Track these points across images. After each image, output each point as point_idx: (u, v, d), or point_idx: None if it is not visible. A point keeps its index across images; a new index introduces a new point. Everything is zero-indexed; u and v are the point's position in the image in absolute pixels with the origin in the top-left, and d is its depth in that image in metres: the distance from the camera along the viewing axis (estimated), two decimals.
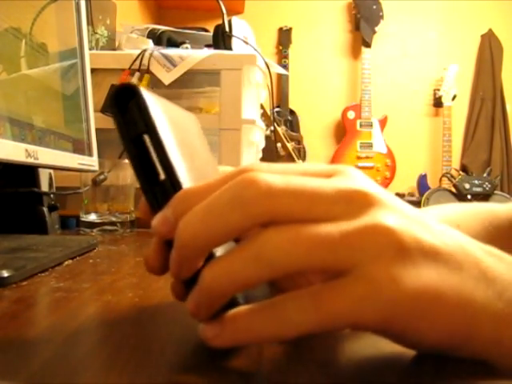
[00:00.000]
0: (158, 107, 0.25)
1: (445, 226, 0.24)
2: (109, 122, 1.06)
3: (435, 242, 0.23)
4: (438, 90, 3.00)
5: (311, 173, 0.24)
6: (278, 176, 0.22)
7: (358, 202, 0.23)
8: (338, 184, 0.23)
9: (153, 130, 0.24)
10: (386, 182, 3.00)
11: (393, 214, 0.23)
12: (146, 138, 0.24)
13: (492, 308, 0.22)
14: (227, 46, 1.08)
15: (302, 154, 2.89)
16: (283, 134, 2.20)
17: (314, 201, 0.22)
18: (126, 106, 0.24)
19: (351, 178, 0.24)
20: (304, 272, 0.23)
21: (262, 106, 1.44)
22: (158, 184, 0.24)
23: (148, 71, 1.00)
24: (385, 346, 0.25)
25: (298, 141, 2.88)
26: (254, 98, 1.15)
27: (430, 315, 0.22)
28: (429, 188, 2.87)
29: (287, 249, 0.21)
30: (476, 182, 2.76)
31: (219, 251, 0.24)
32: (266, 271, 0.21)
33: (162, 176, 0.24)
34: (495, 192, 2.77)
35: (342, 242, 0.21)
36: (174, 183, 0.24)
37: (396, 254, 0.22)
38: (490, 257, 0.24)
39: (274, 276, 0.22)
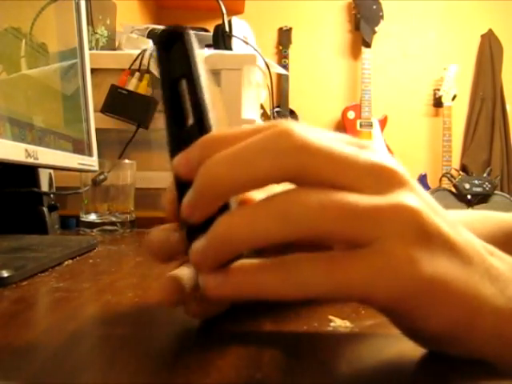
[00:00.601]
0: (198, 55, 0.25)
1: (455, 222, 0.25)
2: (109, 122, 1.07)
3: (453, 234, 0.23)
4: (438, 90, 3.00)
5: (346, 141, 0.24)
6: (315, 135, 0.22)
7: (388, 179, 0.23)
8: (372, 157, 0.23)
9: (193, 75, 0.24)
10: None
11: (419, 198, 0.23)
12: (184, 81, 0.24)
13: (495, 303, 0.22)
14: (227, 46, 1.08)
15: None
16: None
17: (346, 166, 0.22)
18: (170, 47, 0.25)
19: (383, 156, 0.24)
20: (326, 239, 0.22)
21: (261, 106, 1.44)
22: (185, 128, 0.24)
23: (148, 71, 1.00)
24: (386, 347, 0.25)
25: None
26: (254, 97, 1.15)
27: (438, 301, 0.22)
28: (429, 188, 2.87)
29: (316, 211, 0.21)
30: (476, 182, 2.76)
31: (234, 205, 0.23)
32: (291, 230, 0.21)
33: (192, 120, 0.24)
34: (495, 192, 2.77)
35: (369, 215, 0.21)
36: (204, 128, 0.24)
37: (418, 236, 0.22)
38: (492, 256, 0.24)
39: (297, 237, 0.21)
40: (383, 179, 0.23)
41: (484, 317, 0.22)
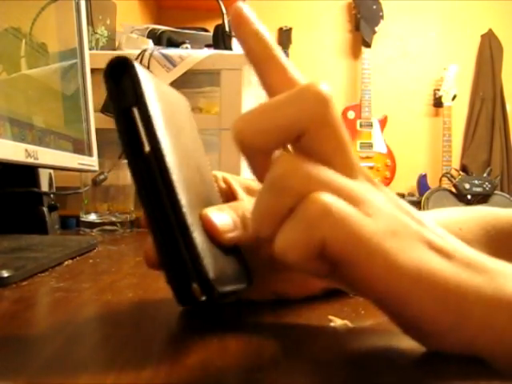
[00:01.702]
0: (149, 83, 0.26)
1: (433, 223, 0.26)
2: (109, 122, 1.07)
3: (427, 232, 0.24)
4: (438, 90, 3.00)
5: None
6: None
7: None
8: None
9: (142, 103, 0.25)
10: (386, 182, 3.00)
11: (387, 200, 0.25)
12: (135, 110, 0.25)
13: (482, 293, 0.23)
14: (227, 46, 1.08)
15: None
16: None
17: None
18: (119, 78, 0.25)
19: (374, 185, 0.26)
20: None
21: None
22: (143, 156, 0.25)
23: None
24: (385, 346, 0.25)
25: None
26: (254, 98, 1.15)
27: (418, 293, 0.22)
28: (429, 188, 2.87)
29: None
30: (476, 181, 2.76)
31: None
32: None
33: (147, 148, 0.25)
34: (495, 192, 2.77)
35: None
36: (157, 156, 0.25)
37: (391, 235, 0.23)
38: (476, 255, 0.25)
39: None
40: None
41: (471, 308, 0.22)
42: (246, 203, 0.31)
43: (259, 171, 0.25)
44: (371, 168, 2.97)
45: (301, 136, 0.24)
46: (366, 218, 0.23)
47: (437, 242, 0.24)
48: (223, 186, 0.35)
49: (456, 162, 3.03)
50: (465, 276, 0.23)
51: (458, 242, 0.25)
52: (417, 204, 2.71)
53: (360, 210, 0.23)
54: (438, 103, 3.06)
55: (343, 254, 0.22)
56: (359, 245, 0.22)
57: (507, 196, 2.80)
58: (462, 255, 0.24)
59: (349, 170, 0.25)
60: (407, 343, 0.25)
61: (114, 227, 0.81)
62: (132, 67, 0.25)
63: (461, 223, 0.45)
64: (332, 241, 0.22)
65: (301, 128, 0.24)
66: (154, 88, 0.27)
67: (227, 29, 1.08)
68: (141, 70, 0.26)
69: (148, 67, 1.00)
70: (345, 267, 0.23)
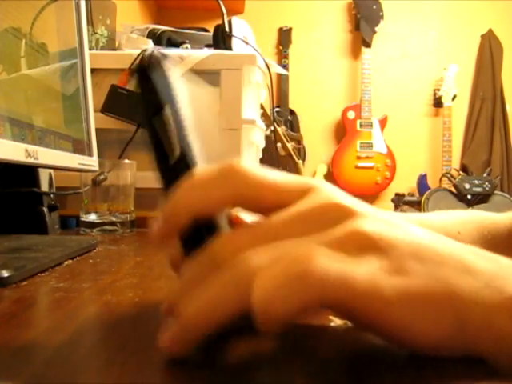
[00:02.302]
0: (179, 82, 0.26)
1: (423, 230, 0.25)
2: (109, 122, 1.07)
3: (417, 239, 0.24)
4: (438, 90, 3.00)
5: (286, 189, 0.26)
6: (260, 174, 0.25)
7: (333, 215, 0.24)
8: (313, 201, 0.25)
9: (172, 106, 0.25)
10: (386, 182, 3.00)
11: (369, 220, 0.24)
12: (166, 112, 0.25)
13: (480, 296, 0.23)
14: (227, 46, 1.08)
15: (301, 154, 2.89)
16: (283, 134, 2.20)
17: (292, 221, 0.24)
18: (149, 79, 0.25)
19: (325, 194, 0.25)
20: None
21: (262, 106, 1.44)
22: (173, 161, 0.25)
23: None
24: (385, 346, 0.25)
25: (298, 141, 2.88)
26: (254, 97, 1.15)
27: (414, 317, 0.22)
28: (429, 188, 2.87)
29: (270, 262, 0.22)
30: (476, 181, 2.76)
31: (223, 223, 0.26)
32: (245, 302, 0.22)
33: (177, 152, 0.25)
34: (495, 192, 2.77)
35: (331, 242, 0.23)
36: (188, 161, 0.25)
37: (377, 256, 0.23)
38: (473, 255, 0.24)
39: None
40: (329, 215, 0.24)
41: (471, 312, 0.22)
42: None
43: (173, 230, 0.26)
44: (371, 168, 2.97)
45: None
46: (354, 268, 0.22)
47: (424, 247, 0.24)
48: None
49: (456, 162, 3.03)
50: (462, 280, 0.23)
51: (439, 235, 0.25)
52: (417, 204, 2.71)
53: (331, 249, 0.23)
54: (438, 103, 3.06)
55: (343, 307, 0.22)
56: (356, 297, 0.22)
57: (507, 196, 2.80)
58: (455, 259, 0.24)
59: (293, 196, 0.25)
60: None
61: (114, 227, 0.81)
62: (164, 66, 0.25)
63: (459, 226, 0.45)
64: (332, 302, 0.22)
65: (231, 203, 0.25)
66: (183, 86, 0.26)
67: (227, 29, 1.08)
68: (171, 71, 0.25)
69: None
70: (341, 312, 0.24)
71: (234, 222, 0.27)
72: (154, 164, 0.26)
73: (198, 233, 0.25)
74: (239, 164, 0.25)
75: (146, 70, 0.25)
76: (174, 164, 0.25)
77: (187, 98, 0.26)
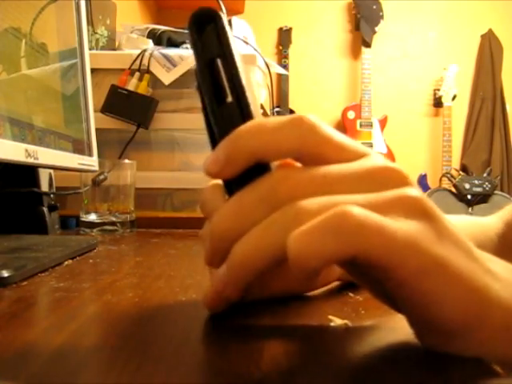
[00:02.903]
0: (231, 35, 0.26)
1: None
2: (109, 122, 1.07)
3: (456, 232, 0.24)
4: (438, 90, 3.00)
5: (348, 149, 0.26)
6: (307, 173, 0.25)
7: (390, 178, 0.25)
8: (372, 162, 0.25)
9: (228, 55, 0.25)
10: None
11: (421, 192, 0.25)
12: (219, 61, 0.25)
13: (501, 296, 0.23)
14: None
15: None
16: None
17: (350, 184, 0.24)
18: (204, 29, 0.25)
19: (383, 160, 0.26)
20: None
21: (262, 106, 1.44)
22: (226, 106, 0.25)
23: (148, 71, 1.00)
24: (386, 346, 0.25)
25: None
26: (254, 97, 1.15)
27: (449, 282, 0.22)
28: (429, 188, 2.87)
29: (323, 206, 0.22)
30: (476, 181, 2.76)
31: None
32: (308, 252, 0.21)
33: (230, 98, 0.25)
34: (495, 192, 2.77)
35: (378, 201, 0.23)
36: (242, 105, 0.25)
37: (424, 222, 0.23)
38: (489, 261, 0.25)
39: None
40: (387, 179, 0.25)
41: (493, 309, 0.23)
42: None
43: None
44: None
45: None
46: (395, 222, 0.22)
47: (465, 241, 0.24)
48: None
49: (456, 162, 3.03)
50: (487, 279, 0.23)
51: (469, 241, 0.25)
52: None
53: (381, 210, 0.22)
54: (438, 103, 3.06)
55: (378, 262, 0.22)
56: (393, 251, 0.21)
57: (507, 196, 2.80)
58: (481, 259, 0.24)
59: (352, 155, 0.25)
60: (408, 343, 0.25)
61: (114, 227, 0.81)
62: (218, 19, 0.25)
63: (464, 231, 0.45)
64: (367, 253, 0.21)
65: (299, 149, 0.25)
66: (233, 40, 0.27)
67: None
68: (225, 22, 0.26)
69: (148, 67, 1.00)
70: (375, 271, 0.23)
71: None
72: (204, 107, 0.26)
73: (248, 176, 0.25)
74: (309, 117, 0.26)
75: (200, 21, 0.25)
76: (228, 105, 0.25)
77: (236, 50, 0.26)
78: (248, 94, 0.26)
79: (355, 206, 0.22)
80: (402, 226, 0.22)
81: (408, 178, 0.25)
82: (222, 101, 0.25)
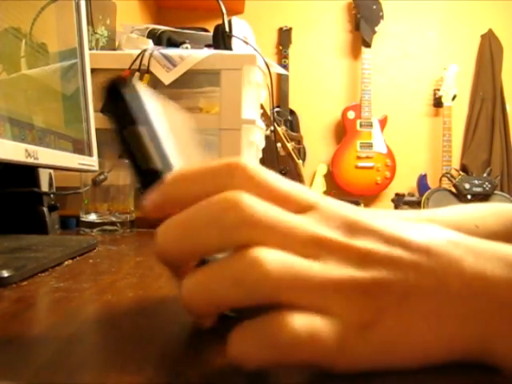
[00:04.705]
0: (149, 100, 0.26)
1: (425, 241, 0.24)
2: (109, 122, 1.06)
3: (406, 276, 0.22)
4: (438, 90, 3.00)
5: (293, 200, 0.24)
6: (260, 203, 0.22)
7: (326, 249, 0.23)
8: (312, 226, 0.23)
9: (143, 121, 0.25)
10: (386, 182, 3.00)
11: (360, 265, 0.23)
12: (136, 128, 0.25)
13: (476, 322, 0.23)
14: (227, 46, 1.08)
15: (301, 154, 2.89)
16: (283, 134, 2.20)
17: (287, 238, 0.22)
18: (119, 97, 0.26)
19: (325, 219, 0.24)
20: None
21: (262, 106, 1.44)
22: (149, 171, 0.25)
23: (148, 71, 1.00)
24: None
25: (298, 141, 2.88)
26: (254, 98, 1.15)
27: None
28: (429, 188, 2.87)
29: (277, 278, 0.21)
30: (476, 181, 2.76)
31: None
32: (247, 298, 0.21)
33: (151, 164, 0.25)
34: (495, 192, 2.77)
35: (326, 285, 0.22)
36: (163, 171, 0.25)
37: (365, 304, 0.22)
38: (479, 258, 0.23)
39: (255, 303, 0.21)
40: (323, 249, 0.23)
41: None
42: None
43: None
44: (371, 168, 2.97)
45: None
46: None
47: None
48: None
49: (456, 162, 3.03)
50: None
51: (459, 240, 0.24)
52: (417, 204, 2.71)
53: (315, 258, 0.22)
54: (438, 103, 3.06)
55: None
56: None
57: (507, 196, 2.80)
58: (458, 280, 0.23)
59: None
60: None
61: (114, 227, 0.81)
62: (130, 86, 0.26)
63: (478, 220, 0.44)
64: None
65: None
66: (154, 105, 0.27)
67: (227, 29, 1.08)
68: (140, 89, 0.26)
69: (148, 67, 1.00)
70: None
71: None
72: (132, 172, 0.26)
73: None
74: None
75: (117, 86, 0.26)
76: (150, 171, 0.25)
77: (157, 115, 0.26)
78: (169, 156, 0.26)
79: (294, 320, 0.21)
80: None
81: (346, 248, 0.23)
82: (145, 165, 0.25)
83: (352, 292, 0.22)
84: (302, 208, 0.24)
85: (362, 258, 0.22)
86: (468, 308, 0.22)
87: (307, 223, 0.23)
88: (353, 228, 0.24)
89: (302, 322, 0.21)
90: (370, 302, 0.22)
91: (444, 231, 0.25)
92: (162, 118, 0.27)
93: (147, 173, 0.25)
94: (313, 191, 0.26)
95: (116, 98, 0.26)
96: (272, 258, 0.21)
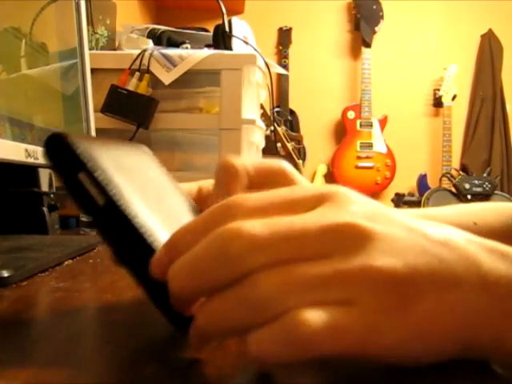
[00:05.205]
0: (91, 149, 0.27)
1: (444, 235, 0.24)
2: (109, 122, 1.07)
3: (432, 265, 0.22)
4: (438, 90, 2.99)
5: (296, 202, 0.24)
6: (261, 223, 0.22)
7: (348, 238, 0.22)
8: (325, 219, 0.23)
9: (86, 168, 0.26)
10: (386, 182, 3.00)
11: (384, 251, 0.22)
12: (81, 175, 0.26)
13: (490, 316, 0.23)
14: (227, 46, 1.08)
15: (301, 154, 2.89)
16: (283, 134, 2.20)
17: (303, 245, 0.22)
18: (58, 152, 0.27)
19: (339, 206, 0.24)
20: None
21: (262, 106, 1.44)
22: (100, 212, 0.26)
23: (148, 71, 1.00)
24: None
25: (298, 141, 2.88)
26: (254, 98, 1.15)
27: (425, 345, 0.22)
28: (429, 188, 2.87)
29: (279, 291, 0.21)
30: (476, 181, 2.76)
31: None
32: (261, 317, 0.21)
33: (101, 202, 0.26)
34: (495, 192, 2.77)
35: (335, 279, 0.22)
36: (116, 211, 0.26)
37: (392, 291, 0.22)
38: (491, 255, 0.24)
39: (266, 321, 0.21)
40: (343, 240, 0.22)
41: (481, 333, 0.23)
42: None
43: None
44: (371, 168, 2.97)
45: None
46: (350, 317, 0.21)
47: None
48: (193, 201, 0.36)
49: (456, 162, 3.03)
50: (477, 305, 0.23)
51: (462, 237, 0.24)
52: (417, 204, 2.71)
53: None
54: (437, 103, 3.05)
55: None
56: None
57: (507, 196, 2.80)
58: (471, 273, 0.23)
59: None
60: None
61: None
62: (66, 141, 0.26)
63: (476, 217, 0.44)
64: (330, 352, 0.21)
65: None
66: (97, 152, 0.27)
67: (227, 29, 1.08)
68: (77, 141, 0.27)
69: (148, 67, 1.00)
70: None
71: None
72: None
73: None
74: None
75: (60, 137, 0.26)
76: (101, 212, 0.26)
77: (103, 160, 0.27)
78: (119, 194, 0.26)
79: (309, 315, 0.21)
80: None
81: (367, 233, 0.23)
82: (96, 207, 0.26)
83: (376, 280, 0.22)
84: (313, 203, 0.24)
85: (388, 245, 0.22)
86: (483, 303, 0.22)
87: (318, 216, 0.23)
88: (373, 217, 0.24)
89: (317, 315, 0.21)
90: (396, 288, 0.22)
91: (455, 229, 0.25)
92: (105, 161, 0.27)
93: (102, 213, 0.26)
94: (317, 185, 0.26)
95: (60, 149, 0.26)
96: (283, 281, 0.21)
